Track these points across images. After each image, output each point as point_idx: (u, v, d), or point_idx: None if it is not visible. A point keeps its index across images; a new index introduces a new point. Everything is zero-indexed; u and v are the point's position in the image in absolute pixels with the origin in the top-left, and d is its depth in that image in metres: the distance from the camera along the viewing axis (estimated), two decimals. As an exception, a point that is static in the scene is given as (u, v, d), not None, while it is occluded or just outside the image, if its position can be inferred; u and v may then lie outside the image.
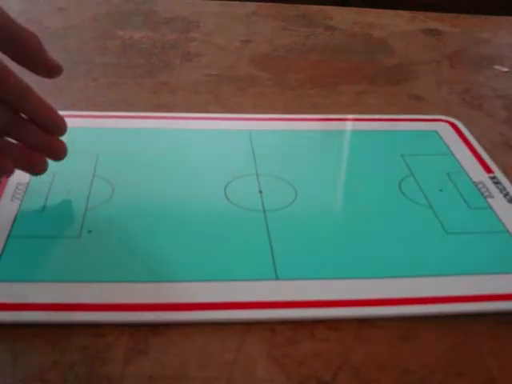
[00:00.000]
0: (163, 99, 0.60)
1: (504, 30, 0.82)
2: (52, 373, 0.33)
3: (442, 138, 0.56)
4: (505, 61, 0.73)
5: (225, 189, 0.47)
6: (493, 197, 0.48)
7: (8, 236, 0.41)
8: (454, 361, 0.35)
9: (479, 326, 0.38)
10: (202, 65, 0.68)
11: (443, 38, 0.79)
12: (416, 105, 0.62)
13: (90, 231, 0.42)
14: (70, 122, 0.54)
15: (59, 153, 0.44)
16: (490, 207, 0.47)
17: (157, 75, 0.65)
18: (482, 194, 0.48)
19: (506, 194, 0.48)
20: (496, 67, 0.71)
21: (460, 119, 0.59)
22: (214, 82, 0.64)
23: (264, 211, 0.45)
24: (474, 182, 0.50)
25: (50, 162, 0.44)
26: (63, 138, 0.44)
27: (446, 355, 0.36)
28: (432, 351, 0.36)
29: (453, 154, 0.53)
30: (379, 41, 0.77)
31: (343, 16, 0.83)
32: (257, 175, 0.49)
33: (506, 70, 0.71)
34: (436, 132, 0.57)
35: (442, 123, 0.58)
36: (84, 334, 0.35)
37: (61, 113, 0.56)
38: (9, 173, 0.42)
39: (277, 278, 0.40)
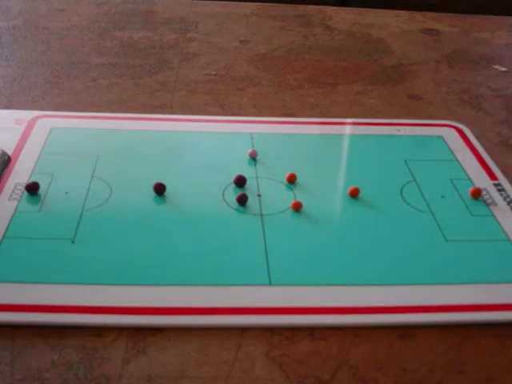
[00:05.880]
0: (162, 99, 0.60)
1: (502, 30, 0.82)
2: (51, 372, 0.33)
3: (447, 144, 0.55)
4: (503, 60, 0.73)
5: (223, 191, 0.47)
6: (496, 204, 0.47)
7: (3, 236, 0.41)
8: (454, 359, 0.35)
9: (478, 325, 0.38)
10: (200, 65, 0.68)
11: (442, 37, 0.79)
12: (415, 104, 0.62)
13: (85, 233, 0.42)
14: (69, 122, 0.55)
15: None
16: (493, 215, 0.46)
17: (155, 75, 0.65)
18: (485, 201, 0.48)
19: (510, 202, 0.48)
20: (495, 67, 0.71)
21: (458, 119, 0.59)
22: (212, 82, 0.64)
23: (261, 215, 0.45)
24: None
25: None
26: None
27: (446, 354, 0.36)
28: (431, 350, 0.36)
29: (457, 160, 0.52)
30: (378, 41, 0.77)
31: (342, 16, 0.83)
32: (256, 178, 0.49)
33: (504, 69, 0.71)
34: (441, 137, 0.56)
35: (448, 128, 0.57)
36: (82, 334, 0.35)
37: (60, 113, 0.56)
38: None
39: (270, 284, 0.39)
